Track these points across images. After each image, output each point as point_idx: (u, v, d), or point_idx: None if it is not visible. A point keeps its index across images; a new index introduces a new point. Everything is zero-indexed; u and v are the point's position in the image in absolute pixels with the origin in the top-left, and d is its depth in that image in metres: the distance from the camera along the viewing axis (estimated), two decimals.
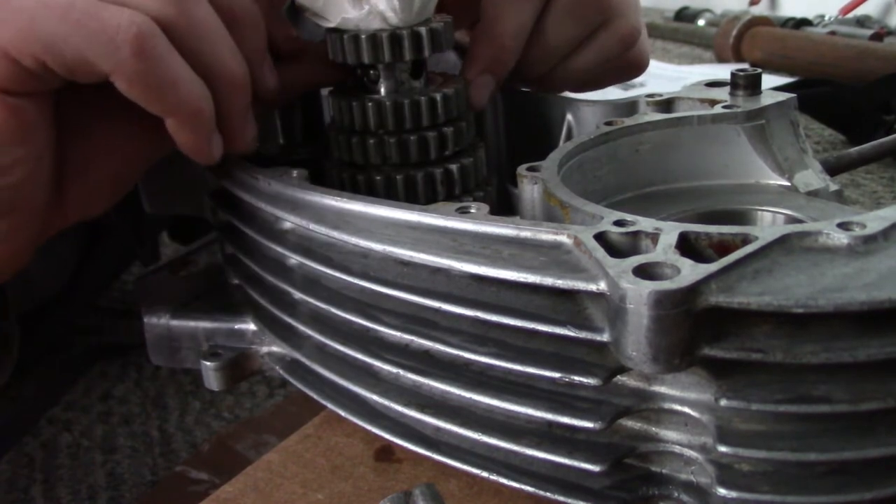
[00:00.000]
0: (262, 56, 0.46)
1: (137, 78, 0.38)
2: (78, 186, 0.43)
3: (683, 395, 0.32)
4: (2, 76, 0.37)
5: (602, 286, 0.31)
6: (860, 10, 1.61)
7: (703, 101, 0.50)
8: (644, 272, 0.30)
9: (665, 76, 1.28)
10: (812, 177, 0.48)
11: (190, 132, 0.42)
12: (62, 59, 0.37)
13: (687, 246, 0.32)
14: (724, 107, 0.48)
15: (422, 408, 0.38)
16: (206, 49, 0.41)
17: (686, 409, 0.32)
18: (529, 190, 0.42)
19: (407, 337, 0.38)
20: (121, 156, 0.44)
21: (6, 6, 0.37)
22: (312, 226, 0.41)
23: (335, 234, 0.39)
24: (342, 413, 0.42)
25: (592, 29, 0.54)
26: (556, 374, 0.33)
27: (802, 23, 1.48)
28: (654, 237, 0.32)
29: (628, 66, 0.58)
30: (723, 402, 0.30)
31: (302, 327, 0.44)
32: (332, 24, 0.47)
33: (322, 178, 0.50)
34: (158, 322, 0.50)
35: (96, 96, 0.41)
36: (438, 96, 0.48)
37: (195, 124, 0.41)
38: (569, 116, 0.55)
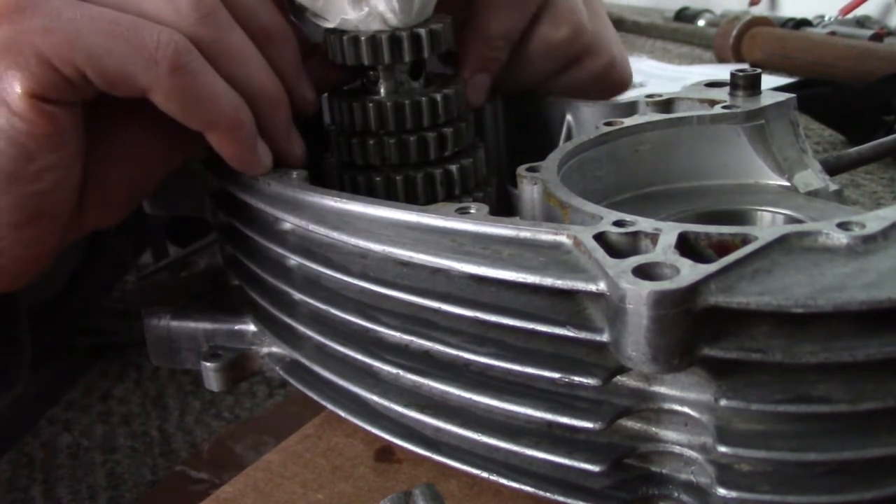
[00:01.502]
0: (298, 70, 0.46)
1: (174, 93, 0.39)
2: (96, 194, 0.43)
3: (683, 395, 0.32)
4: (42, 83, 0.38)
5: (601, 286, 0.31)
6: (860, 11, 1.61)
7: (702, 101, 0.50)
8: (643, 272, 0.30)
9: (665, 76, 1.28)
10: (812, 177, 0.48)
11: (232, 144, 0.43)
12: (103, 71, 0.38)
13: (686, 246, 0.32)
14: (724, 107, 0.48)
15: (422, 408, 0.38)
16: (239, 70, 0.42)
17: (686, 409, 0.32)
18: (529, 190, 0.42)
19: (406, 337, 0.38)
20: (138, 165, 0.45)
21: (53, 16, 0.38)
22: (312, 226, 0.41)
23: (335, 234, 0.39)
24: (342, 413, 0.42)
25: (564, 64, 0.56)
26: (556, 375, 0.33)
27: (802, 23, 1.48)
28: (653, 237, 0.32)
29: (607, 91, 0.60)
30: (722, 402, 0.30)
31: (302, 328, 0.44)
32: (331, 25, 0.47)
33: (322, 179, 0.50)
34: (158, 323, 0.50)
35: (116, 106, 0.42)
36: (439, 97, 0.48)
37: (236, 136, 0.42)
38: (568, 117, 0.55)
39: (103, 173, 0.43)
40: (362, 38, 0.46)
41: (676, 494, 0.34)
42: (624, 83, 0.62)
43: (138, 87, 0.39)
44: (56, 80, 0.38)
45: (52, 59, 0.38)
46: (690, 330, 0.29)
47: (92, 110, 0.41)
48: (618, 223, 0.34)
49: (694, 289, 0.29)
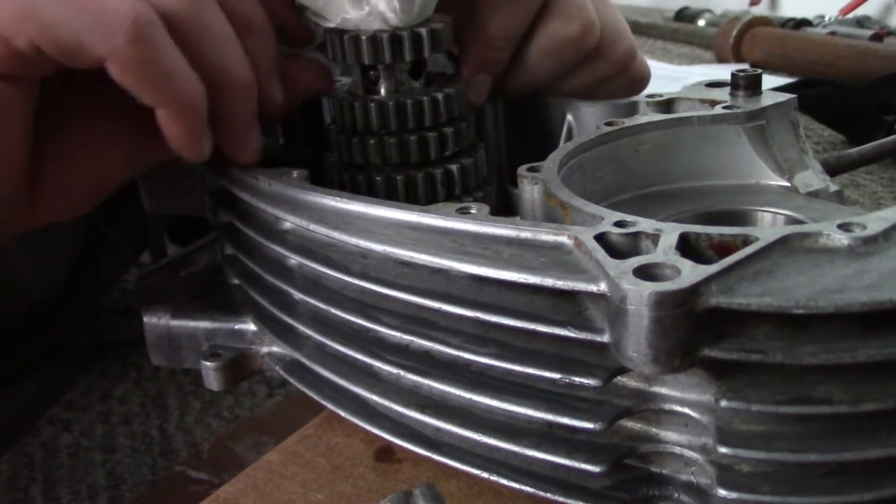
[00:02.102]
0: (271, 68, 0.45)
1: (131, 65, 0.38)
2: (50, 188, 0.42)
3: (684, 395, 0.32)
4: None
5: (602, 287, 0.31)
6: (860, 11, 1.61)
7: (703, 101, 0.50)
8: (644, 273, 0.30)
9: (665, 76, 1.29)
10: (812, 177, 0.48)
11: (181, 126, 0.40)
12: (56, 41, 0.37)
13: (687, 247, 0.32)
14: (725, 107, 0.48)
15: (422, 408, 0.38)
16: (212, 51, 0.41)
17: (686, 410, 0.32)
18: (530, 190, 0.42)
19: (407, 337, 0.38)
20: (99, 158, 0.43)
21: None
22: (312, 226, 0.41)
23: (335, 234, 0.39)
24: (342, 413, 0.42)
25: (578, 62, 0.54)
26: (557, 375, 0.33)
27: (802, 23, 1.48)
28: (654, 238, 0.32)
29: (629, 84, 0.58)
30: (723, 403, 0.30)
31: (302, 327, 0.44)
32: (332, 24, 0.47)
33: (322, 178, 0.50)
34: (158, 322, 0.50)
35: (80, 94, 0.40)
36: (440, 96, 0.48)
37: (187, 119, 0.40)
38: (569, 117, 0.55)
39: (58, 167, 0.42)
40: (363, 37, 0.46)
41: (677, 495, 0.34)
42: (645, 77, 0.60)
43: (94, 58, 0.37)
44: (7, 55, 0.37)
45: (4, 32, 0.36)
46: (691, 331, 0.29)
47: (52, 95, 0.40)
48: (619, 224, 0.34)
49: (695, 290, 0.28)
